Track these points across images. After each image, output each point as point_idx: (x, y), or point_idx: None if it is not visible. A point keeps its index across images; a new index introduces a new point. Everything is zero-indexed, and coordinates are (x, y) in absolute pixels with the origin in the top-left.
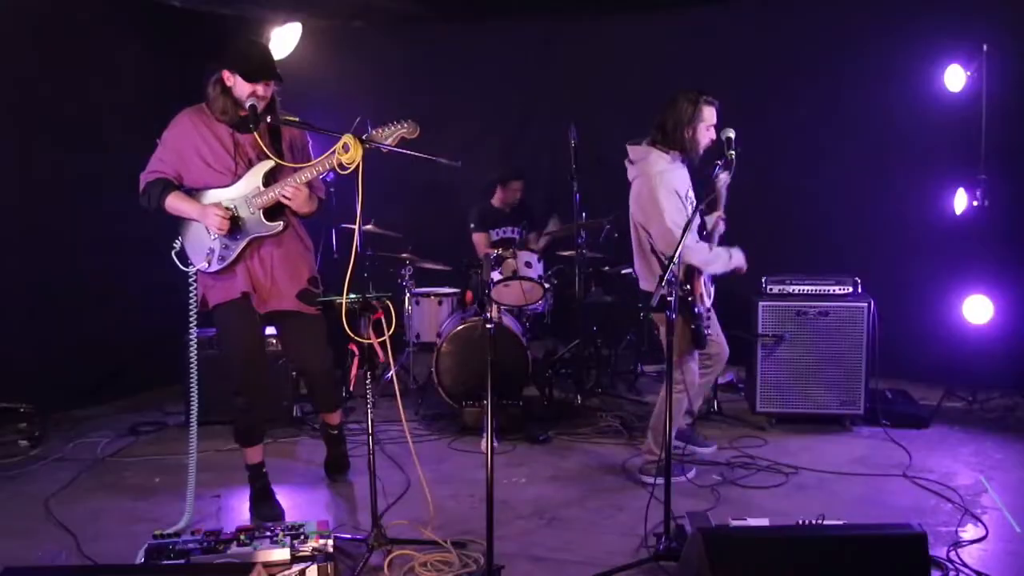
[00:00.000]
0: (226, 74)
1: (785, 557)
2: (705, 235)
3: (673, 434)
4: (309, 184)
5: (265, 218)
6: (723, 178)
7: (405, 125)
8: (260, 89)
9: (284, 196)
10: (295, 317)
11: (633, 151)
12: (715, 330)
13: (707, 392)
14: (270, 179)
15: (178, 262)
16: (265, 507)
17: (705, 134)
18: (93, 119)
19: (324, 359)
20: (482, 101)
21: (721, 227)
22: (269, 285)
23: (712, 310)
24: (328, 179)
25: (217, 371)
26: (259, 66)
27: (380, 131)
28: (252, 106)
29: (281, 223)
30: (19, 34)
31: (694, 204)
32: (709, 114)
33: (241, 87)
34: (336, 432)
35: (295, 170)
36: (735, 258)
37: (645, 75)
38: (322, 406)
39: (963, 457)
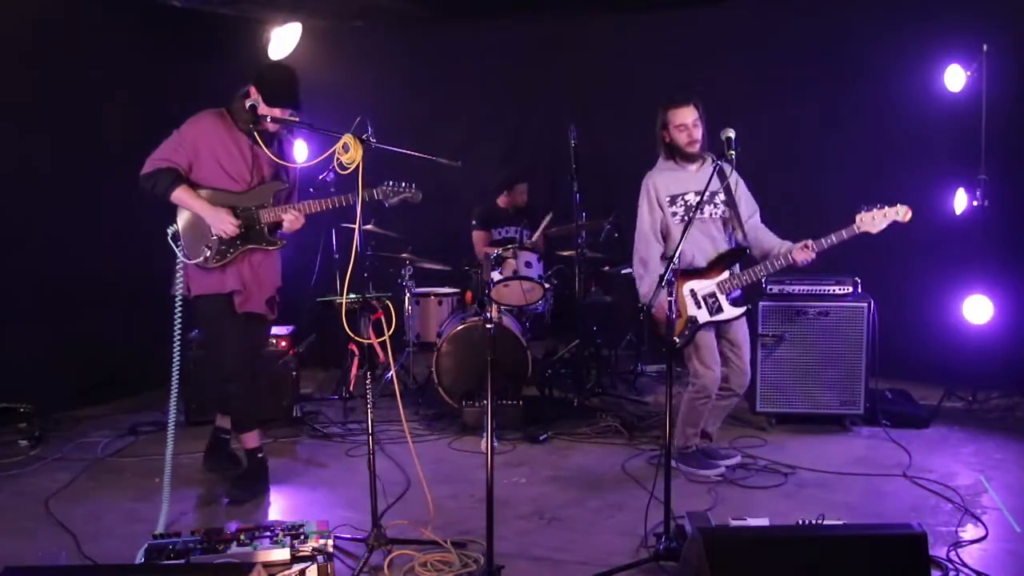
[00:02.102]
0: (252, 90)
1: (785, 557)
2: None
3: (685, 434)
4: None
5: (269, 233)
6: (870, 221)
7: (411, 191)
8: (277, 112)
9: (288, 220)
10: (254, 320)
11: None
12: (739, 356)
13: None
14: (280, 199)
15: (173, 245)
16: (248, 487)
17: (679, 135)
18: (93, 119)
19: (253, 366)
20: (482, 101)
21: (799, 257)
22: (254, 288)
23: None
24: (328, 179)
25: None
26: (283, 92)
27: (385, 189)
28: (252, 105)
29: (283, 241)
30: (18, 34)
31: (688, 204)
32: (676, 115)
33: (262, 107)
34: (262, 455)
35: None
36: (648, 298)
37: (645, 75)
38: (237, 422)
39: (963, 457)
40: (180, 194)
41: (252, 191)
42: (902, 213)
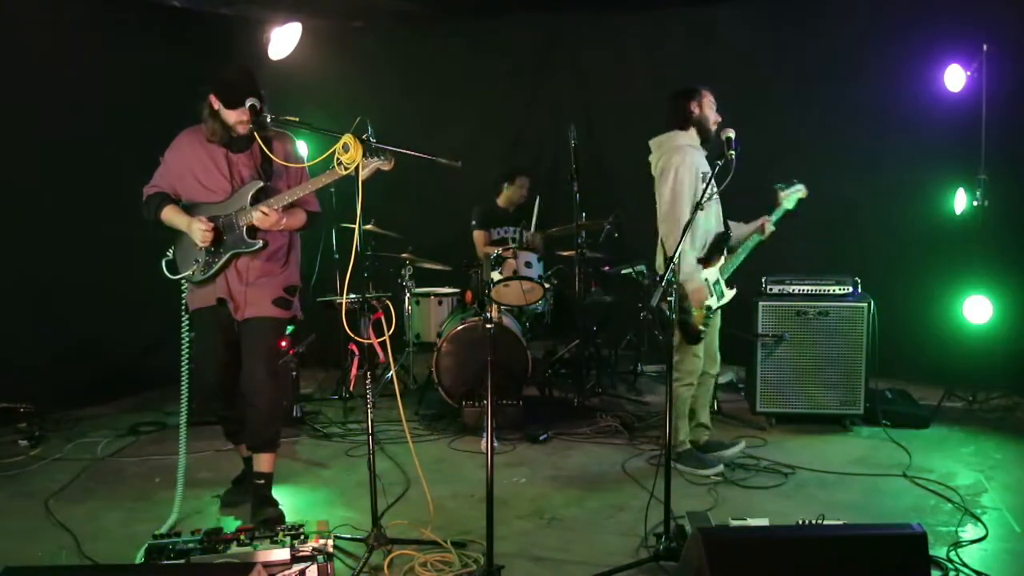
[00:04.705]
0: (213, 99)
1: (785, 557)
2: (731, 240)
3: (676, 428)
4: (302, 199)
5: (247, 235)
6: (787, 198)
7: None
8: (234, 115)
9: (255, 219)
10: (252, 322)
11: (654, 142)
12: (713, 340)
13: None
14: (259, 198)
15: (166, 270)
16: (236, 494)
17: (710, 110)
18: (93, 119)
19: (262, 373)
20: (482, 101)
21: (765, 232)
22: (247, 293)
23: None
24: None
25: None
26: (240, 92)
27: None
28: (253, 106)
29: (260, 242)
30: (17, 35)
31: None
32: (710, 96)
33: (225, 112)
34: (262, 482)
35: (288, 185)
36: (690, 278)
37: (646, 75)
38: (250, 435)
39: (963, 457)
40: (165, 213)
41: (231, 198)
42: (803, 191)
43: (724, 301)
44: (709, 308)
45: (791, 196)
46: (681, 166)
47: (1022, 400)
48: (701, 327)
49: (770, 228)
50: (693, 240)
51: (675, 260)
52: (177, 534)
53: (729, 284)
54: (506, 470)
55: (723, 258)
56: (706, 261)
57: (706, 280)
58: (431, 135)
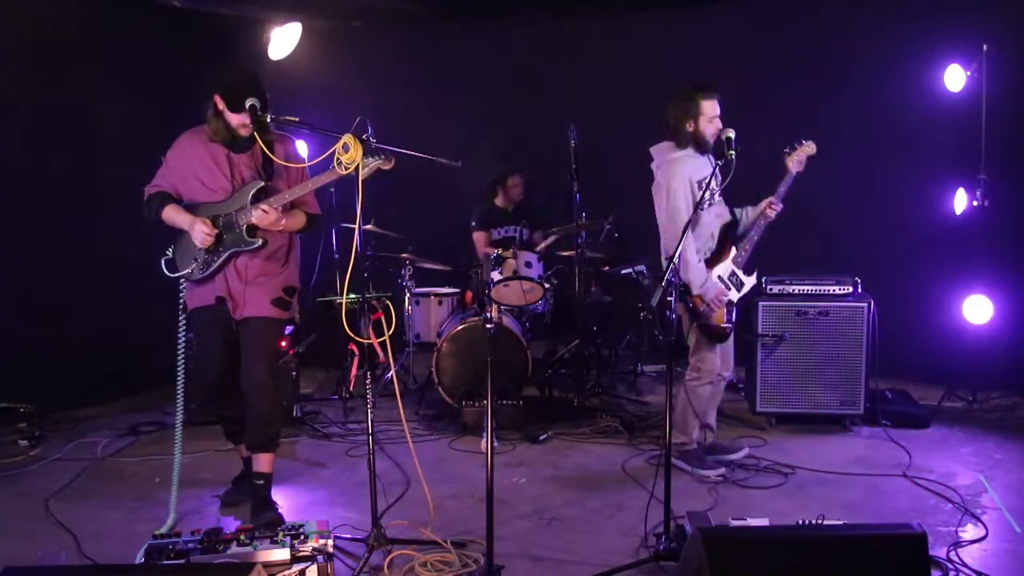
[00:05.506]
0: (217, 99)
1: (785, 557)
2: (739, 227)
3: (687, 427)
4: (302, 200)
5: (247, 234)
6: (796, 161)
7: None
8: (237, 119)
9: (255, 218)
10: (251, 321)
11: (653, 150)
12: (729, 340)
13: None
14: (259, 198)
15: (165, 268)
16: (236, 494)
17: (708, 126)
18: (93, 119)
19: (262, 372)
20: (482, 101)
21: (771, 214)
22: (246, 292)
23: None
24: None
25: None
26: (239, 97)
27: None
28: (252, 105)
29: (260, 240)
30: (17, 35)
31: (710, 194)
32: (708, 107)
33: (229, 115)
34: (261, 482)
35: (288, 186)
36: (704, 287)
37: (645, 75)
38: (249, 435)
39: (963, 457)
40: (167, 212)
41: (232, 198)
42: (811, 147)
43: (745, 290)
44: (731, 302)
45: (800, 158)
46: (673, 180)
47: (1022, 400)
48: (725, 324)
49: (778, 206)
50: (696, 243)
51: (675, 260)
52: (177, 534)
53: (748, 271)
54: (506, 470)
55: (735, 249)
56: (718, 256)
57: (719, 277)
58: (431, 135)
